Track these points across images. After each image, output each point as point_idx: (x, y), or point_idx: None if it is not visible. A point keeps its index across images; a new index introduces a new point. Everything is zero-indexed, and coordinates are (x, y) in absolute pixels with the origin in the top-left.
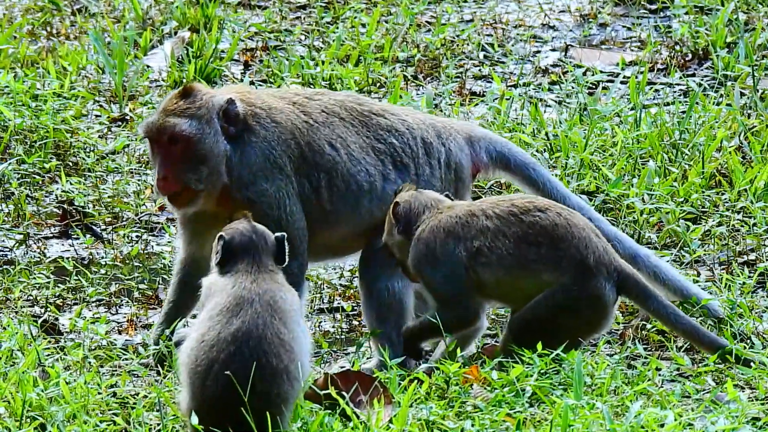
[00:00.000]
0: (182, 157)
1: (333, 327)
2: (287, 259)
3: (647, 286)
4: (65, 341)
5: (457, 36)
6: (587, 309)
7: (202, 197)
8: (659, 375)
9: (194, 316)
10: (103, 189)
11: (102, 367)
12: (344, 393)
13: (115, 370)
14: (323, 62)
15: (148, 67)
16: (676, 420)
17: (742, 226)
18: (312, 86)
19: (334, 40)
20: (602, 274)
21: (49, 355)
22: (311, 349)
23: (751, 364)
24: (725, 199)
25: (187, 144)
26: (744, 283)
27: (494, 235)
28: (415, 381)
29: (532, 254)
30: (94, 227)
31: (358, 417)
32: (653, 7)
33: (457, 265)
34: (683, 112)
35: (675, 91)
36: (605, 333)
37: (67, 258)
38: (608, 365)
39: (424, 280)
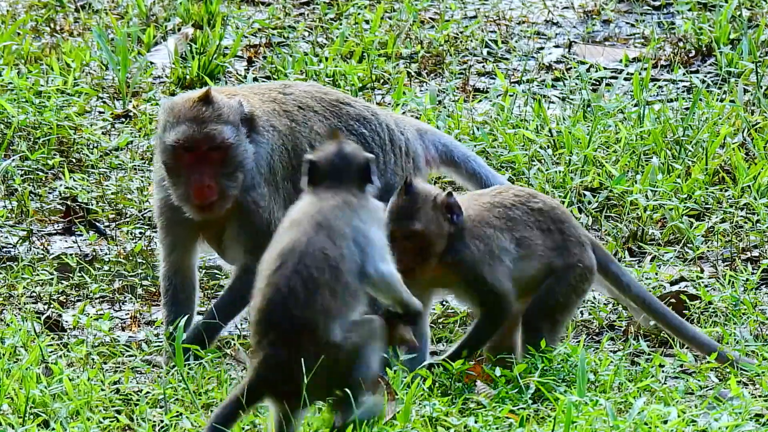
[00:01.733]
0: (222, 164)
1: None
2: (375, 181)
3: (607, 252)
4: (68, 338)
5: (461, 32)
6: (586, 283)
7: (230, 203)
8: (662, 371)
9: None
10: (107, 185)
11: (105, 363)
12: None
13: (119, 367)
14: (327, 59)
15: (151, 63)
16: (679, 417)
17: (745, 222)
18: (316, 82)
19: (337, 37)
20: (588, 245)
21: (52, 351)
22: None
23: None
24: (729, 195)
25: (227, 151)
26: (747, 279)
27: (524, 226)
28: (419, 378)
29: (549, 242)
30: (97, 224)
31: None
32: (656, 3)
33: (509, 260)
34: (687, 109)
35: (678, 88)
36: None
37: (71, 254)
38: (611, 362)
39: (473, 277)
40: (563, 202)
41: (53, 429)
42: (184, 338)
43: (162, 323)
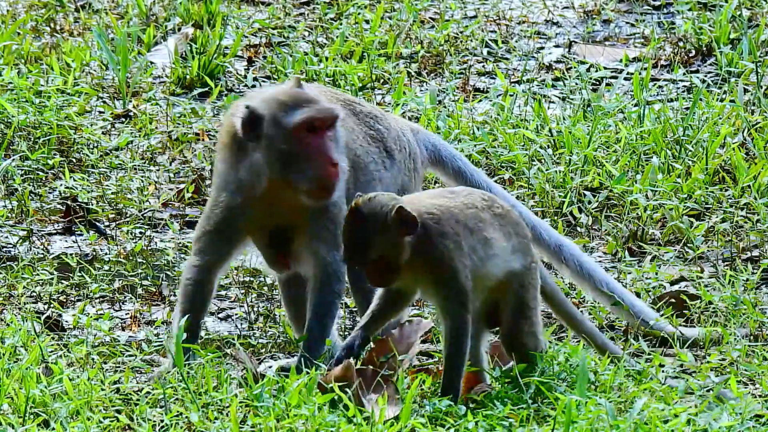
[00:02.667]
0: (335, 145)
1: (338, 322)
2: None
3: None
4: (68, 338)
5: (461, 32)
6: (539, 281)
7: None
8: (662, 371)
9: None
10: (107, 185)
11: (105, 363)
12: (347, 389)
13: (119, 367)
14: (327, 58)
15: (151, 63)
16: (679, 417)
17: (745, 222)
18: (316, 82)
19: (337, 37)
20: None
21: (52, 351)
22: None
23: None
24: (729, 195)
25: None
26: (747, 279)
27: (492, 228)
28: (419, 377)
29: (509, 245)
30: (97, 223)
31: (361, 413)
32: (657, 3)
33: (470, 259)
34: (687, 109)
35: (678, 88)
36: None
37: (71, 254)
38: (612, 361)
39: (448, 284)
40: (563, 202)
41: (53, 429)
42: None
43: (163, 322)
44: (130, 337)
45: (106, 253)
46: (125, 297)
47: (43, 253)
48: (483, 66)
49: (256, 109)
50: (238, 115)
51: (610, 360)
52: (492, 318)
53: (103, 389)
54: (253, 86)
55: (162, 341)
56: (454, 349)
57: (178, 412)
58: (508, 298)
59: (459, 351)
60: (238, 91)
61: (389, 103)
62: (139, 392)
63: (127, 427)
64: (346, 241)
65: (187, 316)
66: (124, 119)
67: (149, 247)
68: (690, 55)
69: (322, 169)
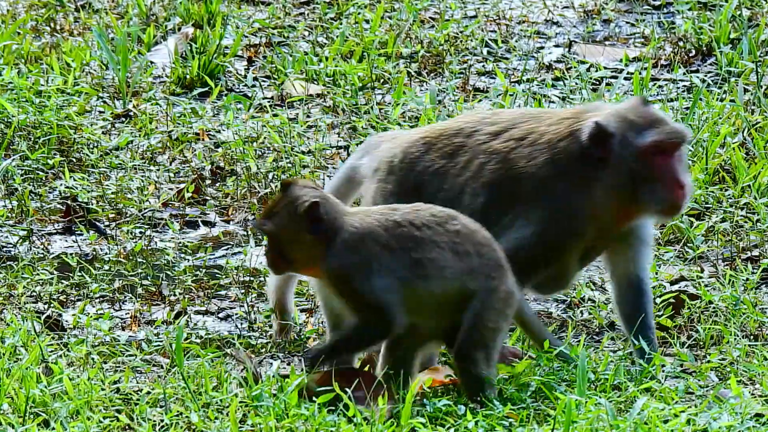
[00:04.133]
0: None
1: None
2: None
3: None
4: (68, 337)
5: (461, 32)
6: (509, 308)
7: None
8: (662, 371)
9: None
10: (107, 185)
11: (105, 363)
12: (347, 389)
13: (119, 367)
14: (327, 58)
15: (151, 63)
16: (678, 416)
17: (745, 222)
18: (316, 82)
19: (337, 36)
20: (509, 270)
21: (52, 351)
22: None
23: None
24: (729, 195)
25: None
26: (748, 279)
27: (432, 247)
28: (418, 378)
29: (463, 264)
30: (97, 223)
31: (361, 413)
32: (657, 3)
33: (393, 277)
34: (687, 108)
35: (678, 87)
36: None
37: (71, 254)
38: (612, 361)
39: (347, 288)
40: None
41: (53, 428)
42: None
43: (163, 322)
44: (130, 336)
45: (106, 253)
46: (125, 297)
47: (43, 253)
48: (483, 66)
49: (606, 126)
50: (583, 132)
51: (611, 359)
52: (451, 336)
53: (103, 389)
54: (253, 86)
55: (162, 341)
56: (349, 336)
57: (178, 411)
58: (465, 318)
59: (350, 340)
60: (238, 91)
61: (389, 103)
62: (139, 392)
63: (127, 427)
64: (266, 206)
65: None
66: (124, 119)
67: (149, 247)
68: (690, 54)
69: (672, 191)
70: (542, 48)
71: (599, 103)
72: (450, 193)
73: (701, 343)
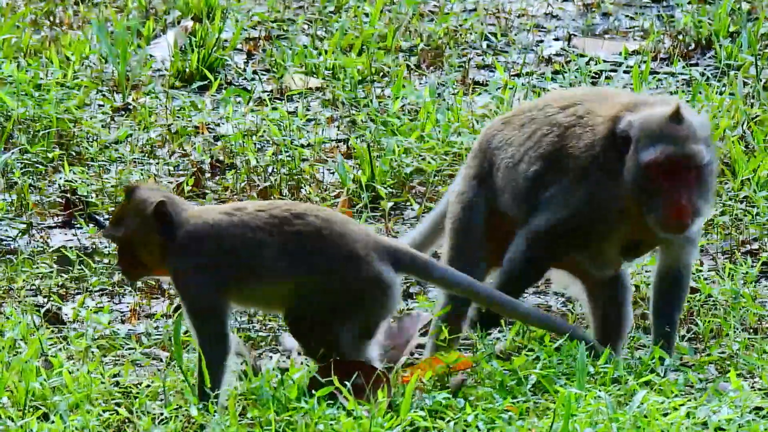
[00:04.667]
0: (697, 184)
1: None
2: None
3: (425, 257)
4: (68, 331)
5: (460, 25)
6: (372, 292)
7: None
8: (662, 364)
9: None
10: (106, 178)
11: (105, 356)
12: (346, 382)
13: (118, 360)
14: (326, 52)
15: (151, 56)
16: (678, 410)
17: (745, 215)
18: (315, 76)
19: (337, 30)
20: (374, 258)
21: (52, 344)
22: None
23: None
24: (728, 188)
25: (701, 171)
26: (747, 272)
27: (261, 249)
28: (418, 371)
29: (300, 263)
30: (97, 217)
31: (360, 406)
32: None
33: (222, 277)
34: (686, 102)
35: (678, 81)
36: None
37: (70, 247)
38: (612, 354)
39: (187, 292)
40: None
41: (53, 422)
42: None
43: (162, 315)
44: (129, 330)
45: (105, 246)
46: (125, 290)
47: (42, 247)
48: (482, 59)
49: (626, 130)
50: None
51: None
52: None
53: (102, 382)
54: (253, 79)
55: (161, 334)
56: (207, 362)
57: (177, 405)
58: (330, 304)
59: (210, 364)
60: (237, 84)
61: (388, 97)
62: (138, 385)
63: (126, 420)
64: (113, 213)
65: None
66: (123, 112)
67: None
68: (689, 48)
69: (669, 211)
70: (542, 41)
71: (660, 97)
72: (511, 160)
73: (701, 336)
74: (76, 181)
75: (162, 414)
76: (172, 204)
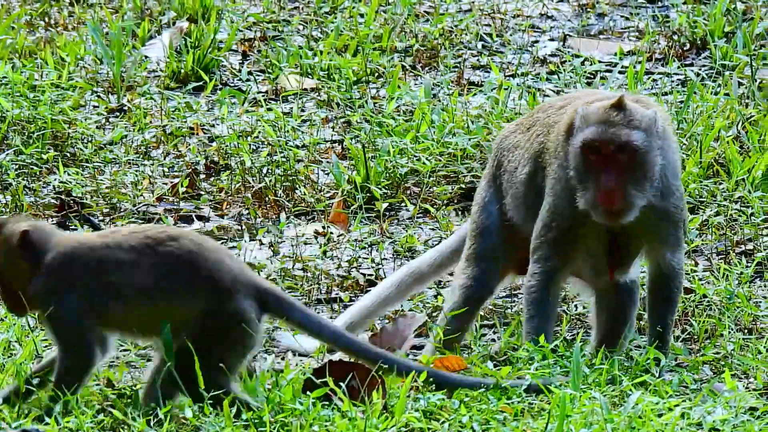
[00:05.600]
0: (629, 170)
1: (331, 317)
2: None
3: (290, 299)
4: None
5: (456, 26)
6: (233, 328)
7: (637, 212)
8: (657, 365)
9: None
10: (101, 180)
11: None
12: (341, 383)
13: (113, 362)
14: (321, 52)
15: (146, 57)
16: (673, 410)
17: (739, 215)
18: (310, 76)
19: (332, 30)
20: (240, 293)
21: (46, 346)
22: None
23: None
24: (723, 188)
25: (634, 156)
26: (742, 273)
27: (130, 268)
28: (413, 372)
29: (167, 285)
30: (91, 218)
31: (355, 407)
32: None
33: (86, 299)
34: (681, 102)
35: (673, 81)
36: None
37: None
38: (607, 355)
39: (48, 315)
40: None
41: (47, 423)
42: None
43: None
44: None
45: None
46: None
47: None
48: (478, 59)
49: (573, 117)
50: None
51: (605, 354)
52: None
53: (97, 384)
54: (248, 80)
55: None
56: (60, 373)
57: (171, 406)
58: (191, 335)
59: (63, 376)
60: (232, 85)
61: (384, 97)
62: (133, 387)
63: (121, 423)
64: None
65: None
66: (118, 113)
67: None
68: (684, 48)
69: (596, 194)
70: (537, 42)
71: (635, 95)
72: (511, 165)
73: (695, 336)
74: (70, 182)
75: (157, 416)
76: (37, 232)
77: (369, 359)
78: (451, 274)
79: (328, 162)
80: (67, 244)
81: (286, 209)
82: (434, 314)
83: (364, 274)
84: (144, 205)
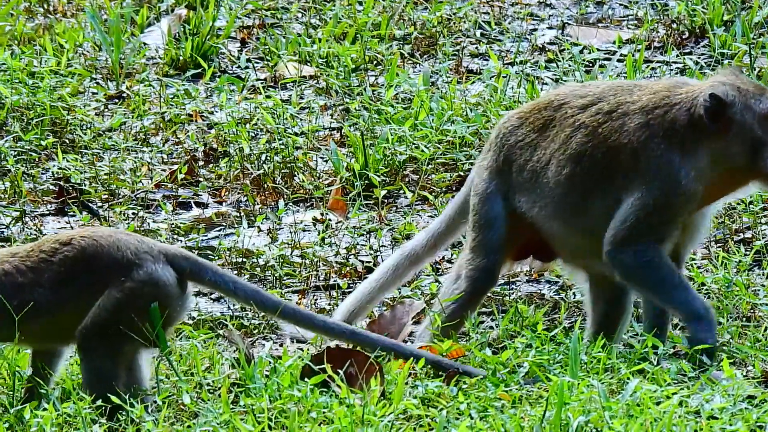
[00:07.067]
0: None
1: (329, 304)
2: None
3: (200, 261)
4: None
5: (454, 14)
6: (150, 294)
7: None
8: (655, 353)
9: None
10: (100, 166)
11: None
12: (339, 370)
13: None
14: (320, 40)
15: (144, 44)
16: (671, 398)
17: (738, 204)
18: (309, 64)
19: (330, 18)
20: (147, 260)
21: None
22: None
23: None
24: None
25: None
26: (740, 261)
27: (31, 289)
28: (411, 359)
29: (72, 291)
30: (90, 204)
31: (353, 394)
32: None
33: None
34: None
35: (672, 69)
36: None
37: None
38: (605, 343)
39: None
40: None
41: (45, 409)
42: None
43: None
44: None
45: None
46: None
47: (36, 234)
48: (476, 47)
49: (722, 96)
50: (697, 103)
51: (603, 342)
52: None
53: None
54: (246, 68)
55: None
56: None
57: (169, 393)
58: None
59: None
60: (231, 72)
61: (382, 85)
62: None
63: (119, 408)
64: None
65: None
66: (117, 100)
67: (142, 228)
68: (683, 36)
69: None
70: (535, 30)
71: (686, 78)
72: (538, 164)
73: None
74: (69, 168)
75: (155, 402)
76: None
77: (282, 317)
78: (449, 261)
79: (326, 149)
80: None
81: (285, 196)
82: (431, 302)
83: (362, 261)
84: (142, 192)
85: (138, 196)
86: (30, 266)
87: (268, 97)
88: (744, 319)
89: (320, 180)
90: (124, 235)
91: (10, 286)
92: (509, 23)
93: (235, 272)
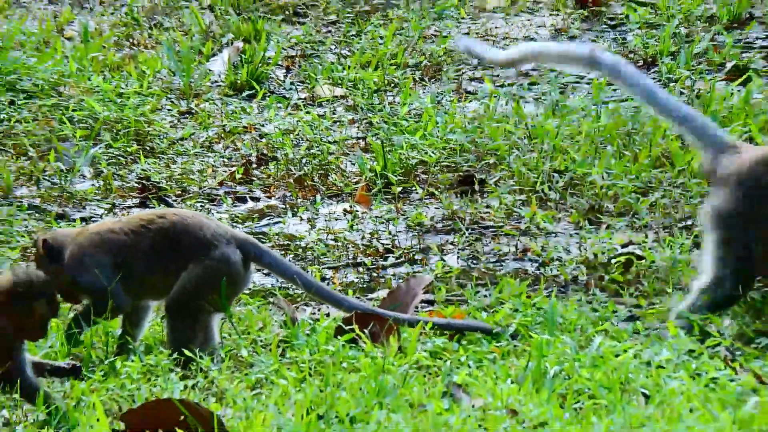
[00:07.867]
0: None
1: (357, 278)
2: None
3: (261, 246)
4: None
5: (456, 46)
6: (223, 271)
7: None
8: (615, 316)
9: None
10: (174, 168)
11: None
12: (364, 330)
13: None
14: (349, 67)
15: (209, 71)
16: (627, 352)
17: (681, 198)
18: (340, 86)
19: (358, 49)
20: (222, 242)
21: None
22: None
23: None
24: (668, 176)
25: None
26: (683, 243)
27: (132, 249)
28: (421, 321)
29: (166, 256)
30: (167, 199)
31: (376, 348)
32: (613, 23)
33: (104, 272)
34: (635, 107)
35: None
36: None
37: None
38: (576, 308)
39: (74, 284)
40: (536, 182)
41: (132, 361)
42: None
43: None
44: None
45: None
46: None
47: None
48: (473, 73)
49: None
50: None
51: (574, 307)
52: None
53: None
54: (290, 89)
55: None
56: (88, 318)
57: (231, 348)
58: (177, 285)
59: (94, 316)
60: (278, 93)
61: (398, 103)
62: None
63: (191, 360)
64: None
65: None
66: (187, 115)
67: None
68: (638, 64)
69: None
70: None
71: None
72: None
73: (646, 294)
74: (150, 170)
75: (219, 355)
76: (54, 238)
77: (331, 303)
78: (452, 243)
79: (354, 154)
80: (83, 239)
81: (321, 192)
82: (438, 276)
83: (382, 244)
84: (208, 189)
85: (204, 192)
86: (132, 230)
87: (307, 113)
88: (686, 290)
89: (349, 179)
90: (206, 218)
91: (119, 244)
92: None
93: (282, 252)
